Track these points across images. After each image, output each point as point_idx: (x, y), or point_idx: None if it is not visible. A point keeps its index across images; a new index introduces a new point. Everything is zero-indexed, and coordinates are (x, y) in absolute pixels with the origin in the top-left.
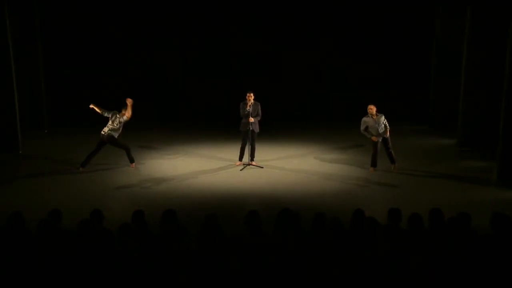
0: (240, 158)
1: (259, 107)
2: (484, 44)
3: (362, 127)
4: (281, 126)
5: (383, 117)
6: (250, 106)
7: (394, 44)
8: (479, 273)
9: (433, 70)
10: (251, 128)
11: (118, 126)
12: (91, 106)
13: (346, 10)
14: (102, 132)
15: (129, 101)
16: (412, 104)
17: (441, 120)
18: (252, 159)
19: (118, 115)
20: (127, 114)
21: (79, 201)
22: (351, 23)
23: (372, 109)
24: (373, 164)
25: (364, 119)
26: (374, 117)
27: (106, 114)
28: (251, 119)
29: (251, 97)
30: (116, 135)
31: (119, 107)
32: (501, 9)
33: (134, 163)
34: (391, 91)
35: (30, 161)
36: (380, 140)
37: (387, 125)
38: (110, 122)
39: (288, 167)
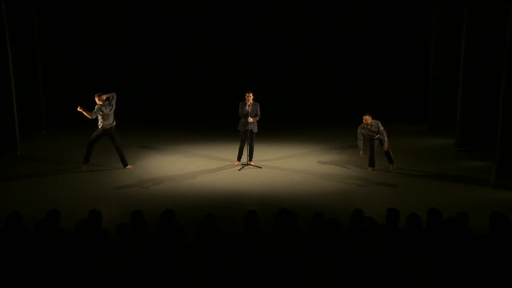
0: (239, 158)
1: (258, 107)
2: (482, 45)
3: (359, 137)
4: (280, 126)
5: (379, 124)
6: (249, 106)
7: (393, 44)
8: (477, 273)
9: (431, 70)
10: (249, 128)
11: (106, 114)
12: (79, 109)
13: (345, 10)
14: (99, 126)
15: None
16: (410, 105)
17: (439, 120)
18: (250, 159)
19: (100, 108)
20: (100, 101)
21: (78, 201)
22: (350, 22)
23: (367, 119)
24: (371, 164)
25: (360, 130)
26: (370, 126)
27: (94, 116)
28: (250, 119)
29: (250, 97)
30: (108, 125)
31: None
32: (498, 9)
33: (129, 165)
34: (390, 91)
35: (28, 161)
36: (377, 140)
37: (385, 135)
38: (99, 118)
39: (287, 167)
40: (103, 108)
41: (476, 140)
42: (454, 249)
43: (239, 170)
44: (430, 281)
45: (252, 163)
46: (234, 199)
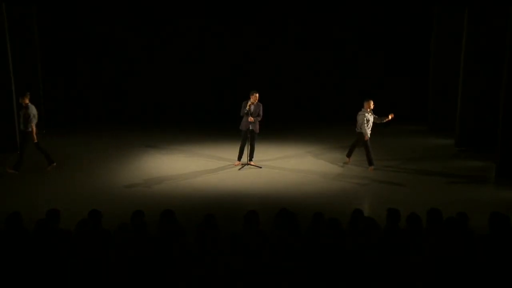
0: (239, 158)
1: (261, 108)
2: (482, 45)
3: (365, 123)
4: (280, 126)
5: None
6: (250, 105)
7: (393, 44)
8: (477, 273)
9: (431, 70)
10: (251, 128)
11: (35, 115)
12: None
13: (345, 10)
14: (32, 128)
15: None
16: (411, 104)
17: (439, 120)
18: (250, 159)
19: (30, 110)
20: (27, 101)
21: (78, 201)
22: (349, 23)
23: (371, 103)
24: (371, 163)
25: (366, 115)
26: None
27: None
28: (251, 119)
29: (255, 97)
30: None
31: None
32: (498, 9)
33: (53, 164)
34: (390, 91)
35: (28, 161)
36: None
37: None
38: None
39: (287, 167)
40: (33, 110)
41: (476, 140)
42: (454, 249)
43: (239, 169)
44: (430, 281)
45: (252, 163)
46: (234, 199)
